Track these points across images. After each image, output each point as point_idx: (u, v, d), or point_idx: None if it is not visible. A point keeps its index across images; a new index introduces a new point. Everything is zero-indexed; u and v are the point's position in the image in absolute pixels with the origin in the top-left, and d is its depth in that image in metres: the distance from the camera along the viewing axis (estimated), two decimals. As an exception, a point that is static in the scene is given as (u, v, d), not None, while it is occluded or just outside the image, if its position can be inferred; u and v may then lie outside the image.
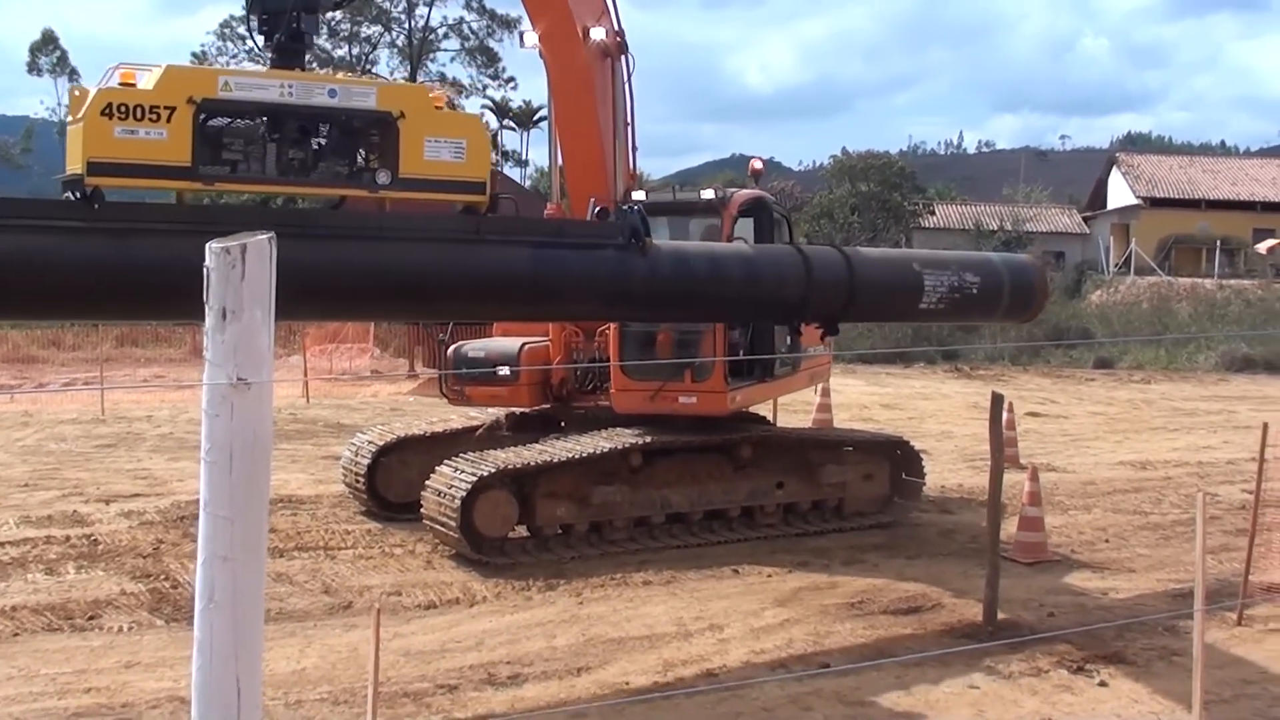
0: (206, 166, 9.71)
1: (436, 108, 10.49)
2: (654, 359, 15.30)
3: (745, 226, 15.91)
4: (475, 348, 17.08)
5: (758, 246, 14.20)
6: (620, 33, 16.38)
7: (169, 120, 9.38)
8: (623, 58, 16.51)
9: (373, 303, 11.02)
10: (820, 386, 21.65)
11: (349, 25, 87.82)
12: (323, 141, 10.22)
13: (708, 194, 15.72)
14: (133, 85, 9.47)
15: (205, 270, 3.69)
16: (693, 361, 15.14)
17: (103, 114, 9.23)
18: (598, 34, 15.77)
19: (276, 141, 10.03)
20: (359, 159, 10.35)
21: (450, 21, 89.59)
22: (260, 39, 10.41)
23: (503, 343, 16.85)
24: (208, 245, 3.72)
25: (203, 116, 9.65)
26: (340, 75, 10.10)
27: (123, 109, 9.29)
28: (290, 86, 9.90)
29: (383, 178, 10.20)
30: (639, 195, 15.49)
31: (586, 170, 16.31)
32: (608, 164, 16.11)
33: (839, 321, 14.39)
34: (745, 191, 16.58)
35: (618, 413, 15.79)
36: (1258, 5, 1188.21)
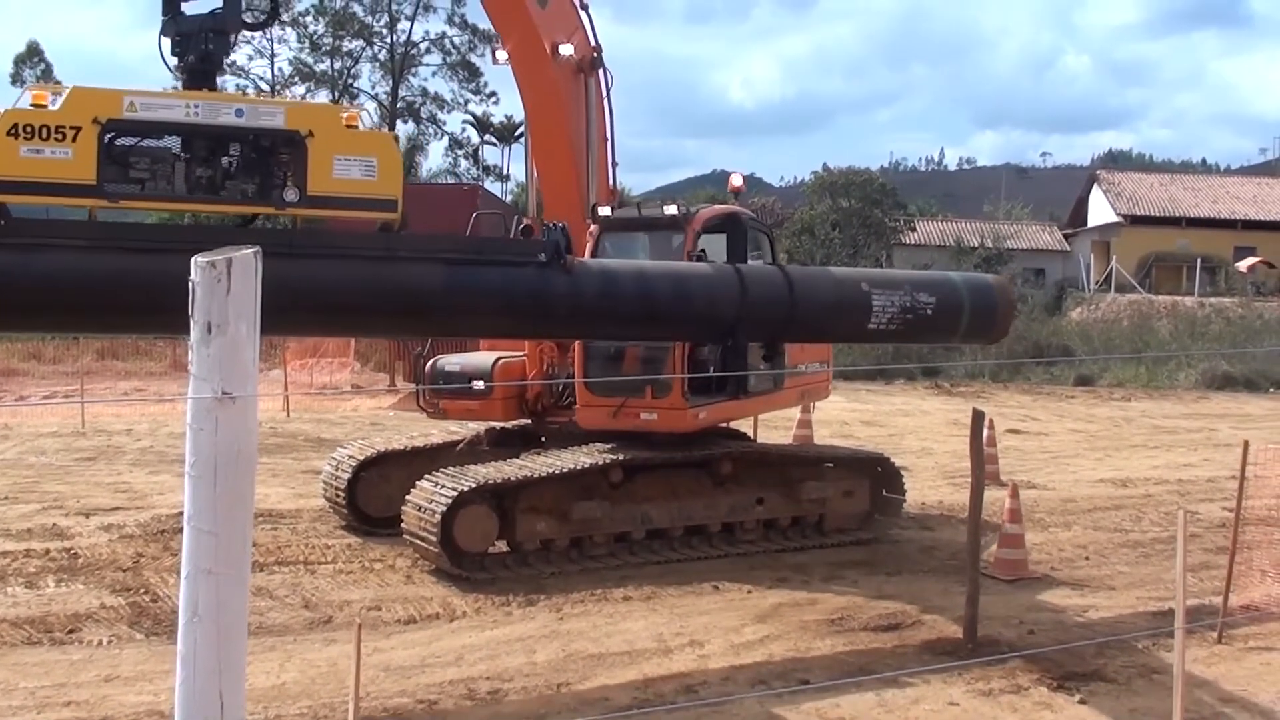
0: (113, 185, 9.93)
1: (350, 126, 10.58)
2: (617, 375, 15.28)
3: (717, 243, 15.93)
4: (452, 362, 17.09)
5: (692, 265, 14.13)
6: (597, 47, 16.42)
7: (74, 140, 9.64)
8: (600, 73, 16.54)
9: (282, 318, 10.95)
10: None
11: (331, 39, 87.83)
12: (231, 160, 10.34)
13: (671, 210, 15.61)
14: (44, 106, 9.72)
15: (191, 284, 3.69)
16: (651, 378, 15.09)
17: (9, 134, 9.52)
18: (566, 50, 15.81)
19: (185, 160, 10.21)
20: (269, 177, 10.41)
21: (432, 36, 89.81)
22: (173, 60, 10.54)
23: (478, 357, 16.86)
24: (194, 259, 3.73)
25: (110, 136, 9.84)
26: (251, 95, 10.22)
27: (29, 129, 9.58)
28: (196, 106, 10.09)
29: (291, 195, 10.31)
30: (605, 211, 15.55)
31: (560, 185, 16.38)
32: (580, 178, 16.16)
33: (781, 340, 14.40)
34: (712, 208, 16.62)
35: (583, 428, 15.81)
36: (1241, 23, 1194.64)
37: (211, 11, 10.43)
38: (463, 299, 10.86)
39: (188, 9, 10.54)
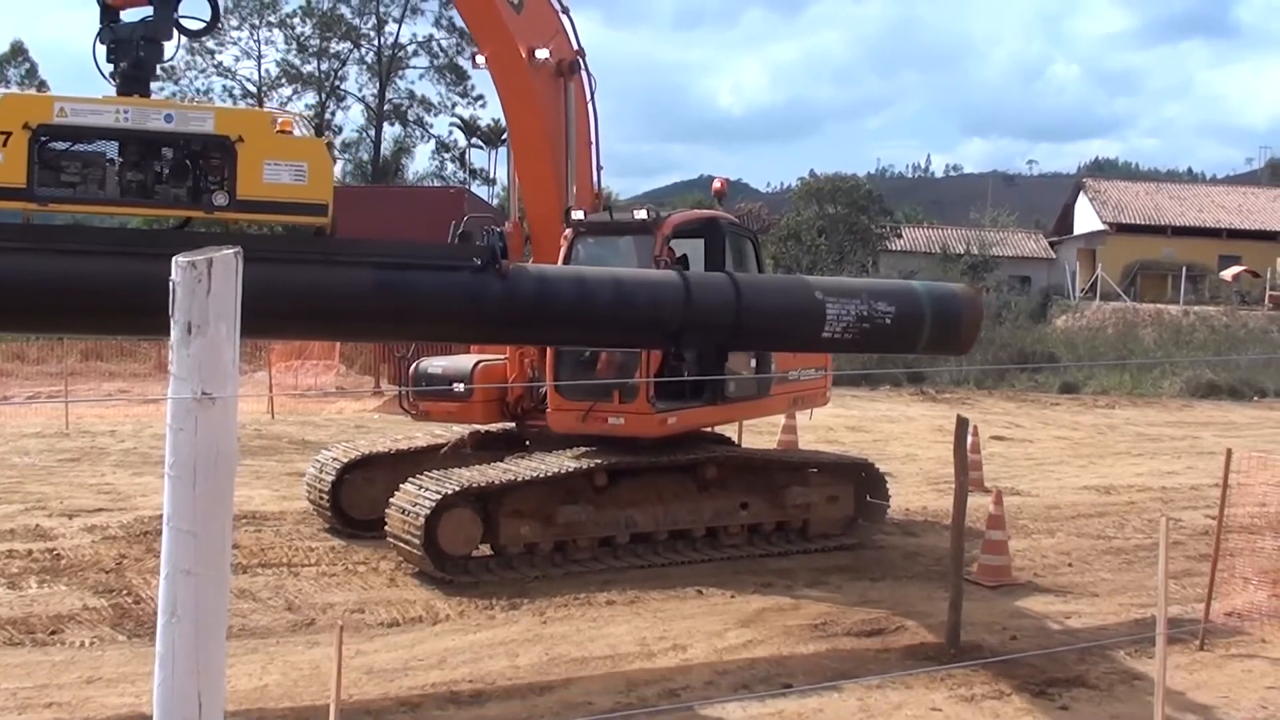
0: (44, 188, 10.02)
1: (284, 131, 10.68)
2: (587, 379, 15.27)
3: (695, 248, 15.95)
4: (435, 365, 17.10)
5: (636, 270, 14.08)
6: (579, 51, 16.43)
7: (4, 144, 9.75)
8: (582, 76, 16.55)
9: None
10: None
11: (318, 41, 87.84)
12: (163, 165, 10.42)
13: (641, 214, 15.58)
14: None
15: (171, 284, 3.69)
16: (617, 382, 15.06)
17: None
18: (543, 55, 15.80)
19: (116, 165, 10.30)
20: (200, 181, 10.49)
21: (420, 39, 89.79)
22: (109, 67, 10.60)
23: (461, 360, 16.86)
24: (174, 259, 3.72)
25: (41, 140, 9.94)
26: (181, 101, 10.39)
27: None
28: (125, 112, 10.17)
29: (220, 199, 10.37)
30: (578, 215, 15.55)
31: (539, 188, 16.42)
32: (560, 182, 16.18)
33: (730, 349, 14.35)
34: (685, 213, 16.64)
35: (554, 432, 15.84)
36: (1229, 33, 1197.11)
37: (143, 19, 10.56)
38: (393, 303, 10.85)
39: (126, 16, 10.66)
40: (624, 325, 12.36)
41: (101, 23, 10.61)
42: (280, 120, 10.87)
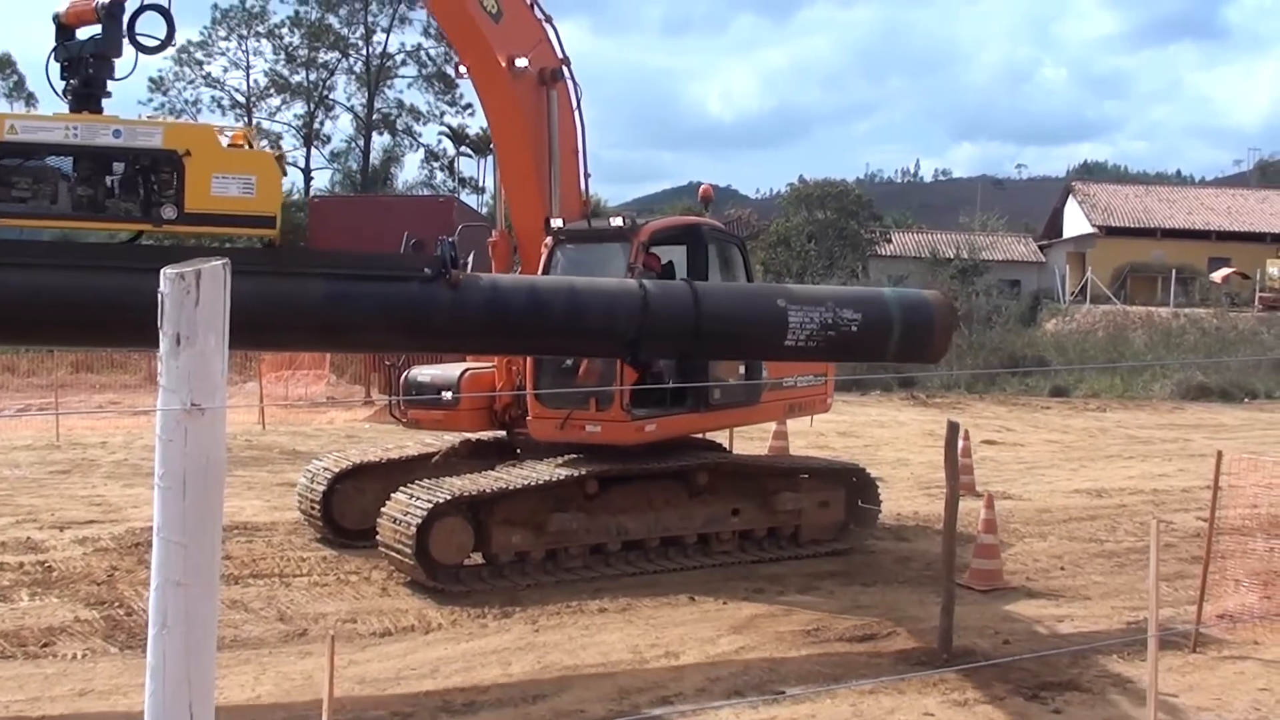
0: None
1: (236, 145, 10.89)
2: (566, 386, 15.25)
3: (679, 255, 15.98)
4: (425, 373, 17.10)
5: (591, 280, 14.10)
6: (564, 59, 16.45)
7: None
8: (567, 84, 16.56)
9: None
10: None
11: (306, 51, 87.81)
12: (113, 179, 10.62)
13: (617, 222, 15.57)
14: None
15: (160, 296, 3.69)
16: (592, 390, 15.04)
17: None
18: (522, 63, 15.81)
19: (67, 180, 10.50)
20: (149, 195, 10.66)
21: (408, 48, 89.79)
22: (61, 84, 10.80)
23: (449, 368, 16.85)
24: (163, 271, 3.73)
25: None
26: (130, 117, 10.60)
27: None
28: (75, 128, 10.39)
29: (169, 213, 10.53)
30: (557, 223, 15.56)
31: (523, 196, 16.44)
32: (543, 190, 16.18)
33: (691, 358, 14.32)
34: (663, 220, 16.66)
35: (536, 440, 15.87)
36: (1218, 35, 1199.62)
37: (92, 37, 10.74)
38: (341, 313, 10.88)
39: (82, 34, 10.85)
40: (578, 335, 12.32)
41: (56, 41, 10.82)
42: (232, 134, 11.09)
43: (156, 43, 11.20)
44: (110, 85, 10.69)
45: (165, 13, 11.10)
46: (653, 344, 12.71)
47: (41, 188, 10.42)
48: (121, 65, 10.88)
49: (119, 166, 10.59)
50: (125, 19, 10.74)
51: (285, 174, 11.65)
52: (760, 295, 13.84)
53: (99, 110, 10.79)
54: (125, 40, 10.82)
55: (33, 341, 24.36)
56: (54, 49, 10.84)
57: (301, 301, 10.70)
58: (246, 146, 11.05)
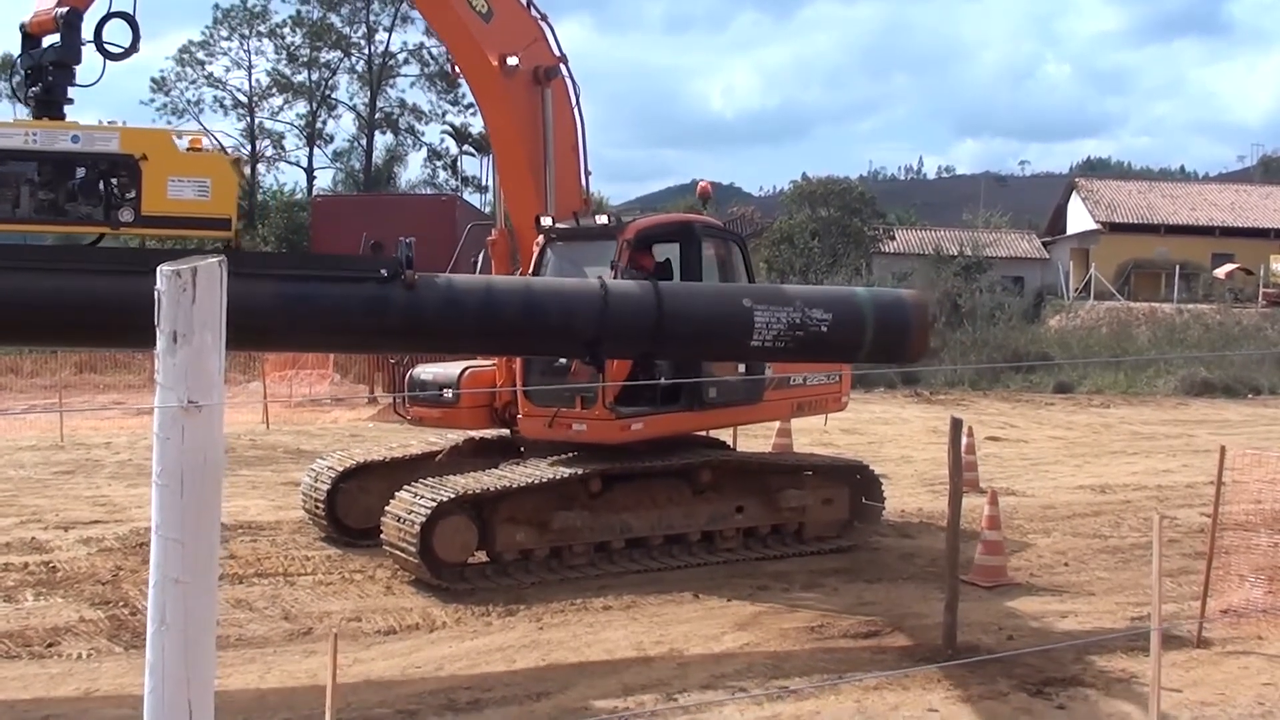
0: None
1: (194, 149, 11.09)
2: (554, 384, 15.21)
3: (673, 253, 16.05)
4: (427, 371, 17.11)
5: (551, 280, 14.08)
6: (561, 57, 16.46)
7: None
8: (566, 83, 16.56)
9: (121, 334, 11.32)
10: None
11: (308, 51, 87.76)
12: (73, 183, 10.84)
13: (603, 219, 15.54)
14: None
15: (156, 293, 3.70)
16: (577, 387, 15.00)
17: None
18: (514, 62, 15.83)
19: (28, 184, 10.76)
20: (108, 199, 10.89)
21: (410, 47, 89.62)
22: (23, 93, 11.21)
23: (450, 366, 16.83)
24: (159, 269, 3.73)
25: None
26: (86, 122, 10.84)
27: None
28: (34, 134, 10.69)
29: (126, 215, 10.80)
30: (546, 222, 15.56)
31: (518, 195, 16.48)
32: (539, 188, 16.20)
33: (654, 357, 14.28)
34: (651, 217, 16.64)
35: (526, 438, 15.96)
36: (1221, 31, 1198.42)
37: (52, 45, 11.08)
38: (293, 315, 10.89)
39: (48, 42, 11.21)
40: (535, 335, 12.28)
41: (22, 49, 11.23)
42: (189, 138, 11.27)
43: (122, 50, 11.43)
44: (97, 87, 11.00)
45: (131, 20, 11.33)
46: (612, 344, 12.65)
47: (4, 192, 10.68)
48: (91, 72, 11.24)
49: (79, 171, 10.80)
50: (93, 27, 11.16)
51: (243, 177, 11.91)
52: (725, 295, 13.67)
53: (61, 117, 11.10)
54: (93, 47, 11.23)
55: (21, 343, 24.57)
56: (19, 57, 11.28)
57: (253, 302, 10.70)
58: (204, 149, 11.25)
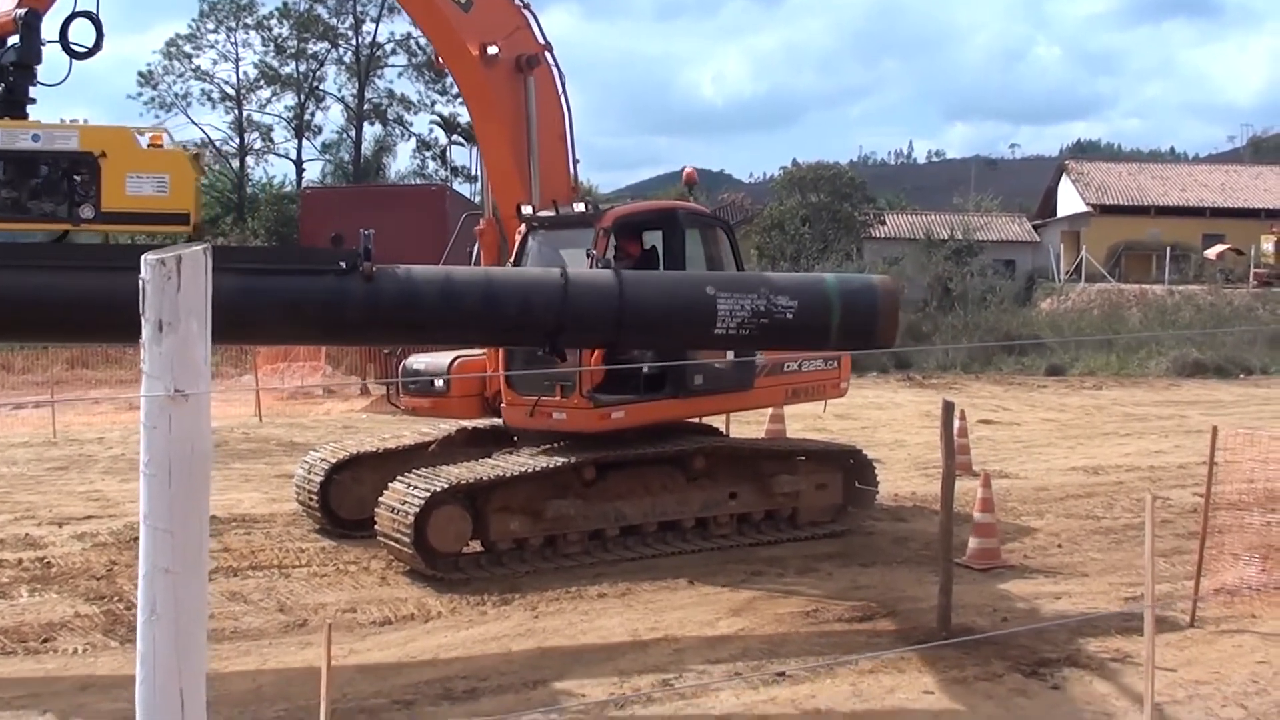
0: None
1: (155, 145, 11.42)
2: (534, 371, 15.16)
3: (657, 240, 16.11)
4: (420, 361, 17.11)
5: (511, 270, 14.07)
6: (546, 46, 16.45)
7: None
8: (551, 71, 16.55)
9: (76, 328, 11.53)
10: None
11: (295, 42, 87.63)
12: (35, 181, 11.14)
13: (580, 207, 15.44)
14: None
15: (141, 282, 3.70)
16: (553, 372, 14.99)
17: None
18: (494, 51, 15.83)
19: None
20: (70, 195, 11.18)
21: (398, 37, 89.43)
22: None
23: (441, 356, 16.80)
24: (143, 257, 3.73)
25: None
26: (48, 121, 11.02)
27: None
28: None
29: (86, 212, 11.11)
30: (527, 210, 15.56)
31: (503, 183, 16.52)
32: (523, 177, 16.21)
33: (617, 346, 14.22)
34: (632, 205, 16.62)
35: (509, 425, 16.02)
36: (1211, 13, 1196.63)
37: (11, 46, 11.35)
38: (253, 307, 10.92)
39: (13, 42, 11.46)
40: (493, 325, 12.27)
41: None
42: (150, 135, 11.59)
43: (86, 49, 11.55)
44: (85, 82, 11.19)
45: (95, 20, 11.44)
46: (573, 334, 12.64)
47: None
48: (57, 71, 11.41)
49: (42, 169, 11.06)
50: (58, 27, 11.47)
51: (203, 173, 12.07)
52: (687, 283, 13.53)
53: (23, 116, 11.35)
54: (59, 47, 11.55)
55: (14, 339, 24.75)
56: None
57: (213, 296, 10.76)
58: (164, 147, 11.58)
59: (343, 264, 11.15)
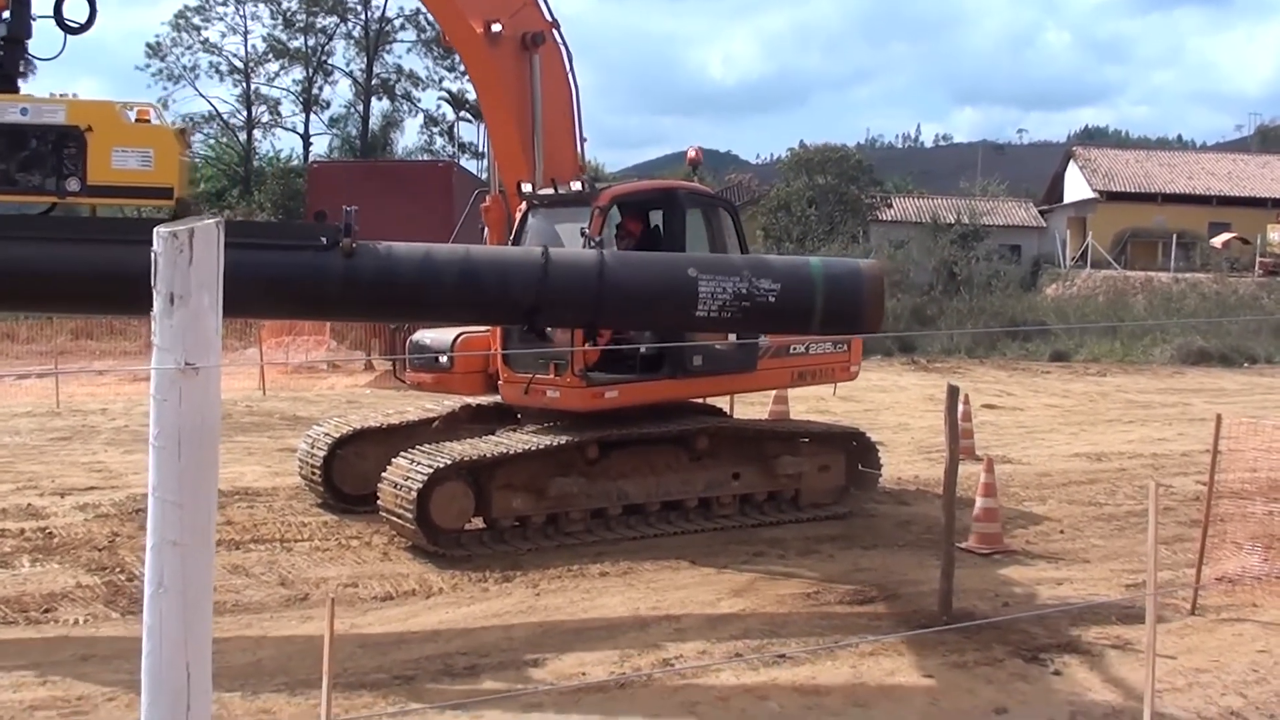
0: None
1: (142, 120, 11.46)
2: (527, 349, 15.14)
3: (658, 219, 16.13)
4: (426, 336, 17.10)
5: (490, 249, 14.06)
6: (553, 24, 16.42)
7: None
8: (559, 48, 16.52)
9: (55, 300, 12.06)
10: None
11: (304, 16, 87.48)
12: (25, 154, 11.23)
13: (576, 186, 15.35)
14: None
15: (153, 255, 3.69)
16: (548, 351, 14.98)
17: None
18: (498, 29, 15.80)
19: None
20: (57, 169, 11.28)
21: (407, 13, 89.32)
22: None
23: (446, 332, 16.78)
24: (155, 230, 3.72)
25: None
26: (39, 95, 11.18)
27: None
28: None
29: (73, 185, 11.20)
30: (527, 188, 15.53)
31: (508, 161, 16.51)
32: (527, 154, 16.19)
33: (598, 327, 14.17)
34: (630, 184, 16.58)
35: (507, 402, 16.09)
36: (1222, 1, 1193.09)
37: (3, 21, 11.38)
38: (233, 281, 10.96)
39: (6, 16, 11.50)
40: (472, 303, 12.27)
41: None
42: (138, 109, 11.56)
43: (79, 24, 11.68)
44: (92, 53, 11.39)
45: None
46: (552, 313, 12.63)
47: None
48: (52, 45, 11.54)
49: (31, 142, 11.16)
50: (52, 2, 11.49)
51: (189, 147, 12.19)
52: (669, 265, 13.39)
53: (14, 90, 11.40)
54: (53, 22, 11.58)
55: (41, 309, 24.85)
56: None
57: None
58: (152, 122, 11.60)
59: (323, 239, 11.18)
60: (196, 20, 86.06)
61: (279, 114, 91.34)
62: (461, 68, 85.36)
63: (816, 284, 13.00)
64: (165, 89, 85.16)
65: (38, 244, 10.74)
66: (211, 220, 3.72)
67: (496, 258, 12.99)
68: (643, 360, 15.47)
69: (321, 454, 16.50)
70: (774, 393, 23.01)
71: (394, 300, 11.88)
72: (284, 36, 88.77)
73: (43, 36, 11.70)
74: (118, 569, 13.36)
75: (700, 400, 16.82)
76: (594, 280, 12.33)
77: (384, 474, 14.44)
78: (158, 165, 11.30)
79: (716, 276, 12.51)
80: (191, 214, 11.66)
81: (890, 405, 30.46)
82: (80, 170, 11.17)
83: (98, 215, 12.19)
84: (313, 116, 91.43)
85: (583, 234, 14.53)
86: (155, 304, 3.68)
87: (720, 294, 12.39)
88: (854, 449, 16.98)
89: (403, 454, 14.53)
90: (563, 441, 14.65)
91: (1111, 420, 28.41)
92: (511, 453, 14.36)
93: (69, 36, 11.70)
